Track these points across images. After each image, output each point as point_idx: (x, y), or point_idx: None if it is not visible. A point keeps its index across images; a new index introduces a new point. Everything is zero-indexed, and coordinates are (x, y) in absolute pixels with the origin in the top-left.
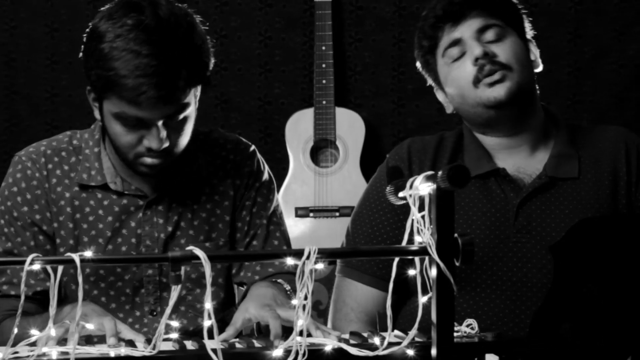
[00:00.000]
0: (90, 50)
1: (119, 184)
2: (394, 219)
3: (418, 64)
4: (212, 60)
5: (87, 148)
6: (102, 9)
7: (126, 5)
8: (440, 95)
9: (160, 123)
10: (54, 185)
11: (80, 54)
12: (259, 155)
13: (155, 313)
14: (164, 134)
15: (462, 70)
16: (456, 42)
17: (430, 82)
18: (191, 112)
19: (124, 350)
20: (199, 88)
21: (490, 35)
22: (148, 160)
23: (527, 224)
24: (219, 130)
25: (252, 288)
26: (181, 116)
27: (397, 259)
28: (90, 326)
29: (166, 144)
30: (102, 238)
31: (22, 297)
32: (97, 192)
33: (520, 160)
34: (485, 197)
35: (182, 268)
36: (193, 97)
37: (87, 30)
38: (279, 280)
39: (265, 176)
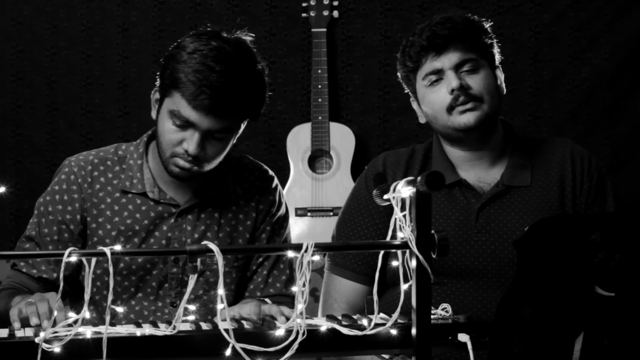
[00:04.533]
0: (171, 55)
1: (156, 193)
2: (371, 223)
3: (399, 75)
4: (263, 108)
5: (131, 159)
6: (192, 32)
7: (215, 34)
8: (415, 105)
9: (202, 132)
10: (97, 190)
11: (161, 60)
12: (280, 187)
13: (175, 305)
14: (201, 143)
15: (438, 96)
16: (436, 71)
17: (408, 91)
18: (231, 138)
19: (148, 330)
20: (245, 122)
21: (466, 67)
22: (180, 161)
23: (486, 224)
24: (248, 156)
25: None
26: (222, 137)
27: (382, 252)
28: (119, 309)
29: (200, 153)
30: (137, 238)
31: (61, 285)
32: (137, 199)
33: (481, 172)
34: (451, 203)
35: (198, 260)
36: (237, 127)
37: (175, 43)
38: (266, 300)
39: (283, 209)
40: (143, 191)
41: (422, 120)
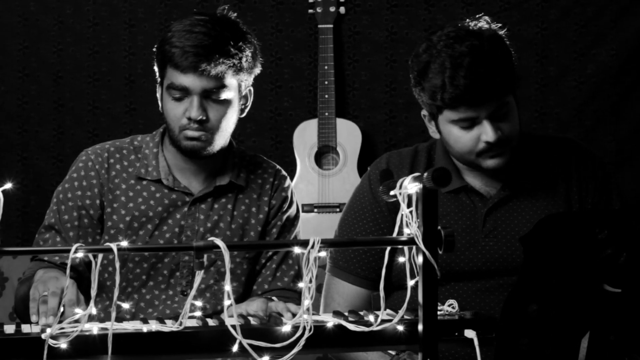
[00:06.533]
0: (160, 40)
1: (170, 181)
2: (376, 227)
3: (415, 94)
4: (258, 66)
5: (147, 148)
6: None
7: (198, 12)
8: (427, 120)
9: (199, 95)
10: (113, 177)
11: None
12: (292, 188)
13: (185, 294)
14: (202, 105)
15: (468, 139)
16: (471, 119)
17: (423, 110)
18: (231, 97)
19: (154, 327)
20: (244, 81)
21: (500, 113)
22: (189, 132)
23: (493, 229)
24: (262, 156)
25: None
26: (220, 96)
27: (388, 248)
28: (126, 305)
29: (202, 116)
30: (150, 224)
31: (68, 280)
32: (151, 186)
33: (486, 176)
34: (457, 207)
35: (205, 256)
36: (235, 86)
37: None
38: (273, 298)
39: (294, 209)
40: (158, 178)
41: (435, 136)
